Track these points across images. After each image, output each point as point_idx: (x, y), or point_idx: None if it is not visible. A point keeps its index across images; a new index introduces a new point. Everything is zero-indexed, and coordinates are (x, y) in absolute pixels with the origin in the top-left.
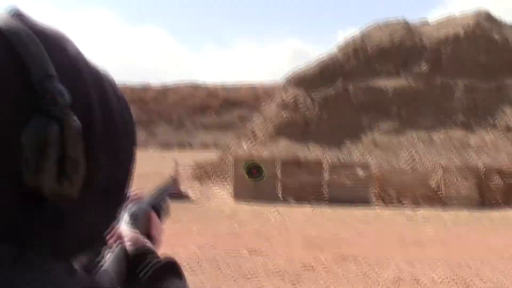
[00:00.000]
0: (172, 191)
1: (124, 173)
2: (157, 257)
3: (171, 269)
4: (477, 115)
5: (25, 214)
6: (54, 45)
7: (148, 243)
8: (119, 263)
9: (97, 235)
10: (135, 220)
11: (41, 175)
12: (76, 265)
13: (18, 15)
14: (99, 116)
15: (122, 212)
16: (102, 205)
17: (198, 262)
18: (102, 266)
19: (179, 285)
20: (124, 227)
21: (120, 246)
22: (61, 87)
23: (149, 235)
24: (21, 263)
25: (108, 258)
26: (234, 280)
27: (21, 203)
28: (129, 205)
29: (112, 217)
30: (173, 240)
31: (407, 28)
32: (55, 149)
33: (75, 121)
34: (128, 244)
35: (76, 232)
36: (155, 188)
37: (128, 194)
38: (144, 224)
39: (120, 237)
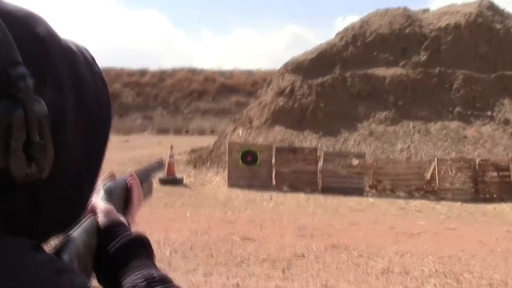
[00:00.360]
0: (156, 173)
1: (97, 156)
2: (128, 231)
3: (140, 243)
4: (475, 107)
5: None
6: (22, 27)
7: (121, 217)
8: (89, 235)
9: (71, 216)
10: (109, 195)
11: (8, 158)
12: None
13: None
14: (71, 100)
15: (98, 187)
16: (75, 187)
17: (191, 247)
18: (69, 236)
19: (145, 262)
20: (98, 200)
21: (91, 217)
22: (24, 71)
23: (124, 211)
24: None
25: (77, 228)
26: (225, 266)
27: None
28: (106, 181)
29: (85, 198)
30: (167, 225)
31: (407, 16)
32: (21, 133)
33: (40, 104)
34: (100, 216)
35: (50, 213)
36: (139, 168)
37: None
38: (119, 199)
39: (93, 209)
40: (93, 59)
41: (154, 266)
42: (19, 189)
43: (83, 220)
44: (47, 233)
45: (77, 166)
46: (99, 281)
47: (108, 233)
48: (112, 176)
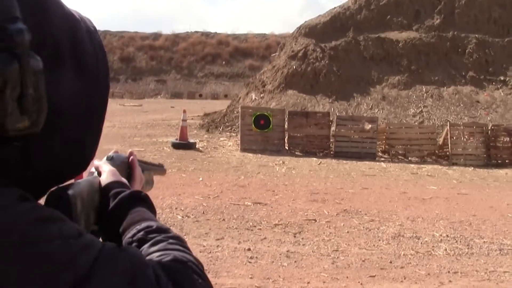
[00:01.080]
0: (157, 172)
1: (97, 119)
2: (129, 189)
3: (138, 198)
4: (488, 71)
5: None
6: None
7: (124, 180)
8: (93, 189)
9: (68, 172)
10: (112, 162)
11: (1, 112)
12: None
13: None
14: (69, 58)
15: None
16: (73, 144)
17: (203, 212)
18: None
19: (144, 215)
20: (102, 162)
21: (95, 175)
22: (21, 26)
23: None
24: None
25: (82, 181)
26: (237, 230)
27: None
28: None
29: (85, 157)
30: (179, 190)
31: None
32: (16, 87)
33: (36, 60)
34: (103, 175)
35: (43, 167)
36: (140, 159)
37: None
38: (120, 169)
39: (97, 170)
40: (95, 28)
41: (154, 218)
42: (11, 142)
43: (87, 177)
44: (41, 186)
45: (76, 127)
46: (103, 239)
47: (109, 190)
48: (115, 152)
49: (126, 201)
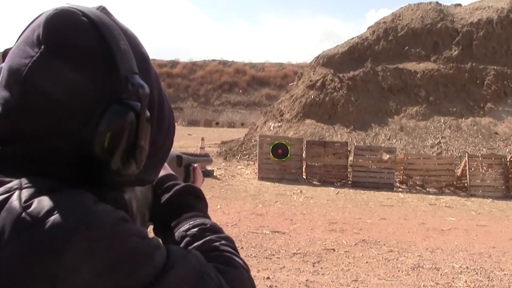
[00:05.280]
0: (204, 164)
1: (163, 155)
2: (181, 182)
3: (192, 193)
4: (506, 103)
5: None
6: (133, 44)
7: (175, 175)
8: (146, 189)
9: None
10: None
11: (111, 157)
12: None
13: (105, 11)
14: (156, 113)
15: None
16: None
17: None
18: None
19: (197, 211)
20: None
21: None
22: (142, 82)
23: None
24: (57, 193)
25: None
26: (256, 259)
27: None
28: None
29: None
30: None
31: (439, 10)
32: (129, 136)
33: (148, 113)
34: None
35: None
36: (189, 152)
37: None
38: (170, 166)
39: None
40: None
41: (207, 215)
42: (111, 187)
43: None
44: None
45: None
46: (156, 233)
47: (162, 183)
48: None
49: (180, 194)
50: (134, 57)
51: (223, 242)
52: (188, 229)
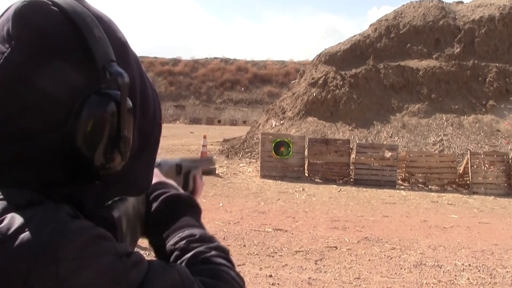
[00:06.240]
0: (206, 167)
1: (151, 154)
2: (171, 189)
3: (182, 202)
4: (509, 100)
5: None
6: (109, 30)
7: (168, 181)
8: (139, 200)
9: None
10: (159, 168)
11: (94, 150)
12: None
13: None
14: (138, 100)
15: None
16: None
17: (224, 238)
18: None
19: (188, 221)
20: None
21: None
22: (121, 70)
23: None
24: (32, 208)
25: None
26: (258, 256)
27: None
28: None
29: (149, 177)
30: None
31: (441, 8)
32: (111, 127)
33: (129, 101)
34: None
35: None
36: (190, 157)
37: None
38: (167, 174)
39: None
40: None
41: (198, 225)
42: (96, 181)
43: None
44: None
45: (128, 166)
46: (151, 244)
47: (151, 193)
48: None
49: (168, 203)
50: (111, 44)
51: (213, 253)
52: (176, 243)
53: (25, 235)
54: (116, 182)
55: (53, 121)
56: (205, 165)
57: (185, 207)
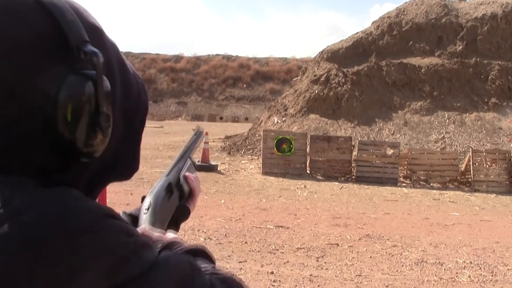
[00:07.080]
0: (198, 144)
1: (135, 140)
2: (181, 245)
3: (192, 253)
4: (511, 98)
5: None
6: (81, 15)
7: (171, 233)
8: None
9: (122, 172)
10: (153, 215)
11: (75, 129)
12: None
13: None
14: (118, 81)
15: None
16: (112, 165)
17: (226, 234)
18: None
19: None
20: (146, 228)
21: None
22: (95, 49)
23: (172, 217)
24: (40, 188)
25: None
26: (260, 253)
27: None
28: (146, 197)
29: (135, 160)
30: (201, 212)
31: (443, 5)
32: (90, 105)
33: (106, 80)
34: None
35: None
36: (181, 151)
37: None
38: (164, 212)
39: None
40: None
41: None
42: (82, 160)
43: None
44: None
45: (116, 147)
46: None
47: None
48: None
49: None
50: (84, 28)
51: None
52: None
53: (36, 212)
54: (105, 164)
55: (31, 107)
56: (187, 167)
57: (200, 260)
